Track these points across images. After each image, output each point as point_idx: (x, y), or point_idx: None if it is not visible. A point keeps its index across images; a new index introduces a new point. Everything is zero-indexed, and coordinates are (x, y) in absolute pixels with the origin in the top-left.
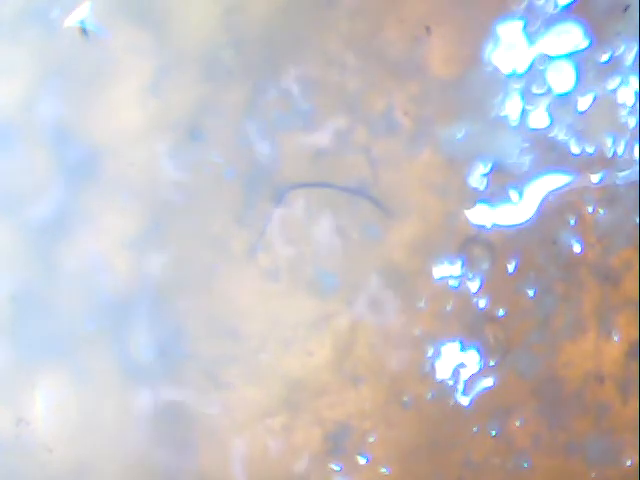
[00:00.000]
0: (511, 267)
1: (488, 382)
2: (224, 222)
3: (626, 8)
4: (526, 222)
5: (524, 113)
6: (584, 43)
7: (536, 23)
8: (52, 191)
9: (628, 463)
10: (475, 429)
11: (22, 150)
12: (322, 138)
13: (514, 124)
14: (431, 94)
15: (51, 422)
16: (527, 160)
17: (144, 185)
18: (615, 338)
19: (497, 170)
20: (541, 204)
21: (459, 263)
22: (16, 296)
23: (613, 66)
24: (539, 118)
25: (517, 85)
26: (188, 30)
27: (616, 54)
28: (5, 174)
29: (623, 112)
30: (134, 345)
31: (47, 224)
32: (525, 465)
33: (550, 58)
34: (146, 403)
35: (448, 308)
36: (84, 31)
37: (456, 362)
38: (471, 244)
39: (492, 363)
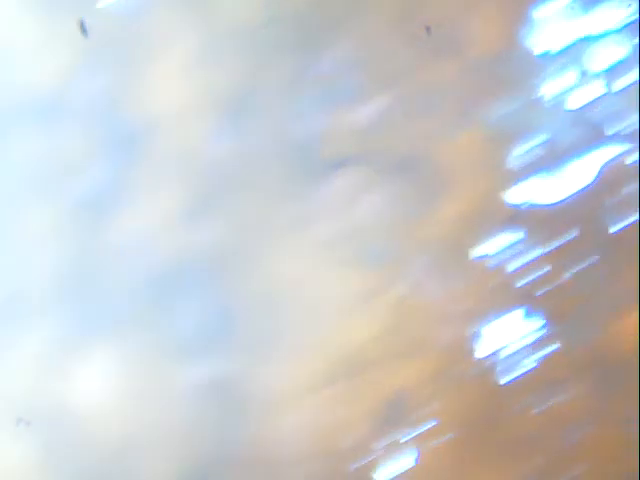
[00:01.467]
0: (552, 244)
1: (532, 358)
2: (271, 197)
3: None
4: (566, 200)
5: (564, 92)
6: (623, 22)
7: (576, 3)
8: (99, 166)
9: None
10: (518, 405)
11: (68, 125)
12: (366, 114)
13: (554, 103)
14: (472, 73)
15: (99, 397)
16: (568, 139)
17: (191, 160)
18: None
19: (538, 148)
20: (581, 182)
21: (501, 240)
22: (64, 271)
23: None
24: (579, 97)
25: (557, 64)
26: (233, 6)
27: None
28: (53, 149)
29: None
30: (183, 319)
31: (94, 199)
32: (576, 438)
33: (590, 38)
34: (195, 377)
35: (491, 285)
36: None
37: (500, 338)
38: (513, 221)
39: (536, 339)
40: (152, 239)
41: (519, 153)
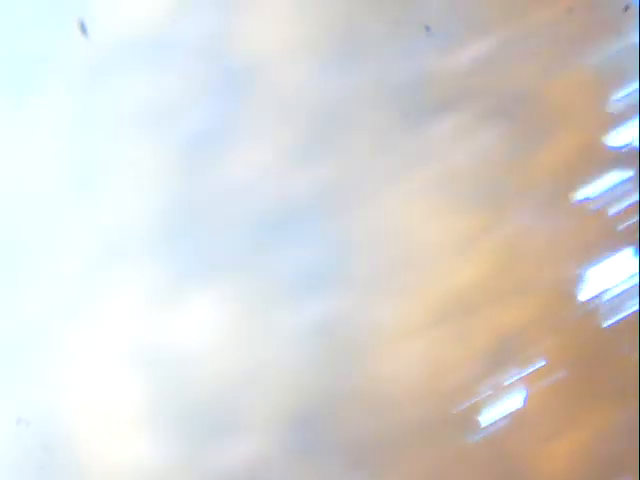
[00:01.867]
0: None
1: (634, 302)
2: (378, 138)
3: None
4: None
5: None
6: None
7: None
8: (207, 104)
9: None
10: (624, 347)
11: (174, 63)
12: (471, 56)
13: None
14: (578, 15)
15: (203, 339)
16: None
17: (299, 100)
18: None
19: None
20: None
21: (606, 182)
22: (169, 211)
23: None
24: None
25: None
26: None
27: None
28: (158, 88)
29: None
30: (293, 259)
31: (200, 139)
32: None
33: None
34: (306, 315)
35: (595, 227)
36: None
37: (605, 280)
38: (617, 163)
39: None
40: (261, 177)
41: (624, 95)
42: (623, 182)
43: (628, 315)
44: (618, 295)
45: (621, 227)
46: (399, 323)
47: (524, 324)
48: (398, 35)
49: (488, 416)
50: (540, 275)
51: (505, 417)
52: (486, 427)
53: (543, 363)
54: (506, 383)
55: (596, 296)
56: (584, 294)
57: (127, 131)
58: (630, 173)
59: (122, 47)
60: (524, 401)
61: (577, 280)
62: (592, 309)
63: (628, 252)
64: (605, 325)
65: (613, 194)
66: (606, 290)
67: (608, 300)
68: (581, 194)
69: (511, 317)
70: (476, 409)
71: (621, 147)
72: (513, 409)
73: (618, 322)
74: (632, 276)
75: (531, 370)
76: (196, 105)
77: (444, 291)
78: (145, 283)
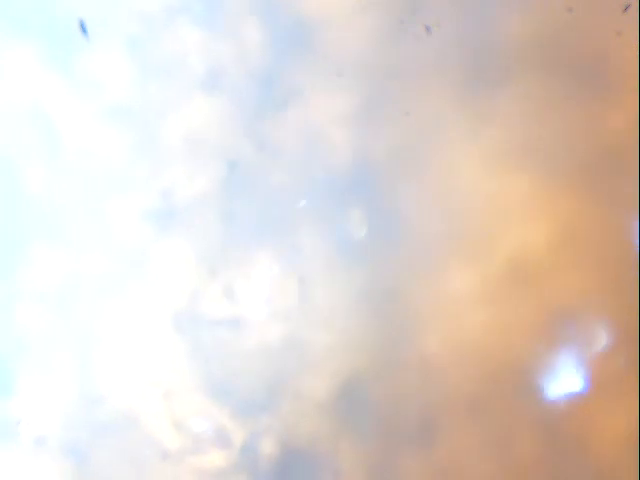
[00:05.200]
0: None
1: None
2: (444, 104)
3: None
4: None
5: None
6: None
7: None
8: (262, 64)
9: None
10: None
11: (232, 22)
12: (543, 23)
13: None
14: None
15: (262, 297)
16: None
17: (360, 61)
18: None
19: None
20: None
21: None
22: (227, 175)
23: None
24: None
25: None
26: None
27: None
28: (216, 48)
29: None
30: (349, 224)
31: (257, 97)
32: None
33: None
34: (361, 281)
35: None
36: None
37: None
38: None
39: None
40: (318, 140)
41: None
42: None
43: None
44: None
45: None
46: (459, 290)
47: (588, 295)
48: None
49: (550, 391)
50: (607, 246)
51: (567, 392)
52: (549, 398)
53: (612, 333)
54: (573, 352)
55: None
56: None
57: (193, 86)
58: None
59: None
60: (587, 375)
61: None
62: None
63: None
64: None
65: None
66: None
67: None
68: None
69: (575, 288)
70: (535, 383)
71: None
72: (575, 383)
73: None
74: None
75: (600, 340)
76: (249, 64)
77: (508, 258)
78: (201, 245)
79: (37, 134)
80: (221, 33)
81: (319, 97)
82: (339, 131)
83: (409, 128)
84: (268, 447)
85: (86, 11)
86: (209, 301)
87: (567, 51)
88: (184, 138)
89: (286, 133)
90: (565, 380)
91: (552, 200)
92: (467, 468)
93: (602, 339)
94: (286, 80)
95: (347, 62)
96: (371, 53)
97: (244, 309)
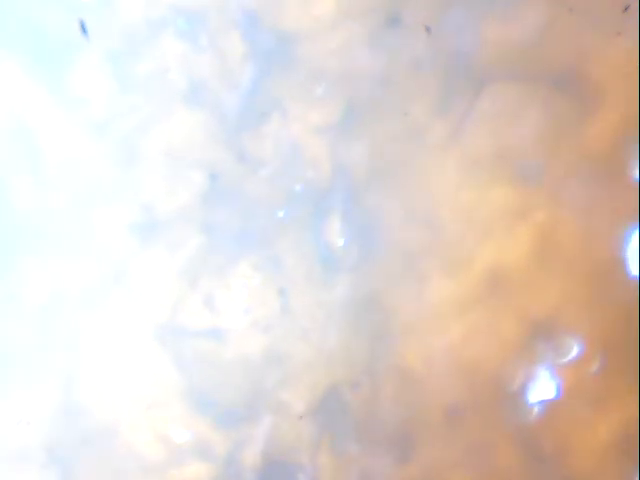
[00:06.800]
0: None
1: None
2: (421, 112)
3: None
4: None
5: None
6: None
7: None
8: (243, 78)
9: None
10: None
11: (214, 37)
12: (522, 30)
13: None
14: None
15: (243, 308)
16: None
17: (338, 73)
18: None
19: None
20: None
21: None
22: (207, 188)
23: None
24: None
25: None
26: None
27: None
28: (198, 62)
29: None
30: (328, 234)
31: (238, 110)
32: None
33: None
34: (340, 292)
35: None
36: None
37: None
38: None
39: None
40: (298, 151)
41: None
42: None
43: None
44: None
45: None
46: (437, 302)
47: (567, 303)
48: (449, 5)
49: (531, 398)
50: (586, 254)
51: (544, 401)
52: (526, 408)
53: (582, 348)
54: (548, 363)
55: None
56: (630, 274)
57: (174, 100)
58: None
59: (161, 19)
60: (560, 386)
61: (625, 260)
62: (636, 291)
63: None
64: None
65: None
66: None
67: None
68: (632, 169)
69: (554, 296)
70: (514, 392)
71: None
72: (552, 394)
73: None
74: None
75: (570, 355)
76: (233, 79)
77: (484, 270)
78: (182, 260)
79: (20, 148)
80: (203, 47)
81: (298, 110)
82: (318, 143)
83: (387, 140)
84: (249, 458)
85: (69, 28)
86: (190, 313)
87: (545, 59)
88: (165, 152)
89: (266, 146)
90: (542, 390)
91: (530, 211)
92: (446, 478)
93: (578, 349)
94: (266, 94)
95: (326, 76)
96: (349, 66)
97: (225, 320)
